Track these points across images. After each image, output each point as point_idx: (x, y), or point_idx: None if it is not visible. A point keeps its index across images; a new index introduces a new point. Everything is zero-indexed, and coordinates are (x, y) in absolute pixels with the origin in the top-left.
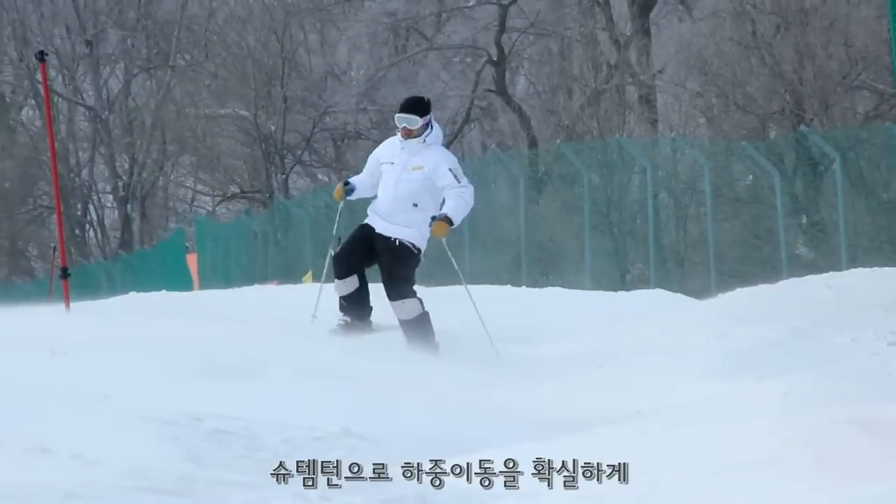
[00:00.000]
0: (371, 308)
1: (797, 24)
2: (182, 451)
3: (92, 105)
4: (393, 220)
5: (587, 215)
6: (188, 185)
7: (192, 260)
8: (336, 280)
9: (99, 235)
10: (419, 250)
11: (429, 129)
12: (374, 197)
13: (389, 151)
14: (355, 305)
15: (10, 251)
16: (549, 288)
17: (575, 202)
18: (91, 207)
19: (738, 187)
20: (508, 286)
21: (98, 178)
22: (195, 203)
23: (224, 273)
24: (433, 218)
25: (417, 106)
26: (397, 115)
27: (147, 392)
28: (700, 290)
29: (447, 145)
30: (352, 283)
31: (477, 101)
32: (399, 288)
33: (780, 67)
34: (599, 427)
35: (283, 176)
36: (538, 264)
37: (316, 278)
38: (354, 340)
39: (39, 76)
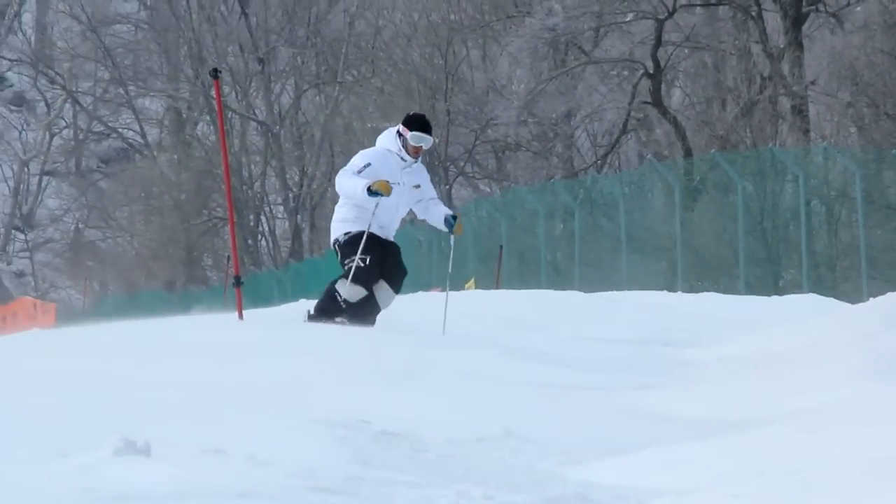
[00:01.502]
0: (374, 318)
1: None
2: (349, 452)
3: (263, 120)
4: (390, 230)
5: (741, 222)
6: None
7: None
8: (360, 288)
9: (270, 245)
10: None
11: None
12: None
13: (391, 170)
14: (363, 310)
15: (186, 260)
16: (705, 293)
17: (729, 210)
18: (263, 218)
19: (888, 194)
20: (664, 291)
21: (269, 189)
22: None
23: None
24: (454, 217)
25: (430, 126)
26: (418, 133)
27: (316, 395)
28: (852, 295)
29: (604, 157)
30: (366, 292)
31: (633, 112)
32: (401, 284)
33: None
34: (754, 428)
35: (447, 187)
36: (693, 270)
37: (479, 285)
38: (513, 346)
39: (214, 93)
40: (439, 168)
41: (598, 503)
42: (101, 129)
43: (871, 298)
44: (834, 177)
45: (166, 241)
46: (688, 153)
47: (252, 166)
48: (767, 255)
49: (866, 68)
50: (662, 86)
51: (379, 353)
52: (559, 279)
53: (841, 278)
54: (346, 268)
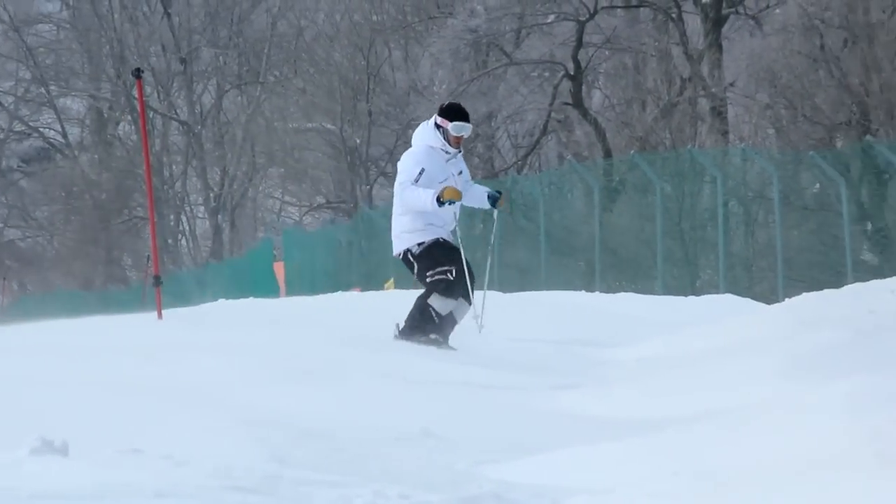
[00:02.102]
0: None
1: (864, 37)
2: (267, 451)
3: (185, 120)
4: (453, 225)
5: (659, 223)
6: (276, 196)
7: (279, 268)
8: (451, 300)
9: (191, 245)
10: None
11: None
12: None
13: (438, 167)
14: (450, 324)
15: (105, 260)
16: (623, 293)
17: (648, 211)
18: (183, 218)
19: (805, 196)
20: (583, 292)
21: (190, 189)
22: (283, 213)
23: (310, 280)
24: (498, 192)
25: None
26: (458, 123)
27: (235, 395)
28: (768, 295)
29: (525, 157)
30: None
31: (554, 113)
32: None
33: (847, 80)
34: (671, 428)
35: (368, 187)
36: (612, 270)
37: (398, 285)
38: (431, 345)
39: (136, 93)
40: (360, 168)
41: (513, 502)
42: (23, 128)
43: (786, 299)
44: (751, 178)
45: (86, 240)
46: (607, 154)
47: (173, 166)
48: (685, 255)
49: (784, 70)
50: (583, 87)
51: (298, 352)
52: (478, 279)
53: (757, 279)
54: (428, 280)
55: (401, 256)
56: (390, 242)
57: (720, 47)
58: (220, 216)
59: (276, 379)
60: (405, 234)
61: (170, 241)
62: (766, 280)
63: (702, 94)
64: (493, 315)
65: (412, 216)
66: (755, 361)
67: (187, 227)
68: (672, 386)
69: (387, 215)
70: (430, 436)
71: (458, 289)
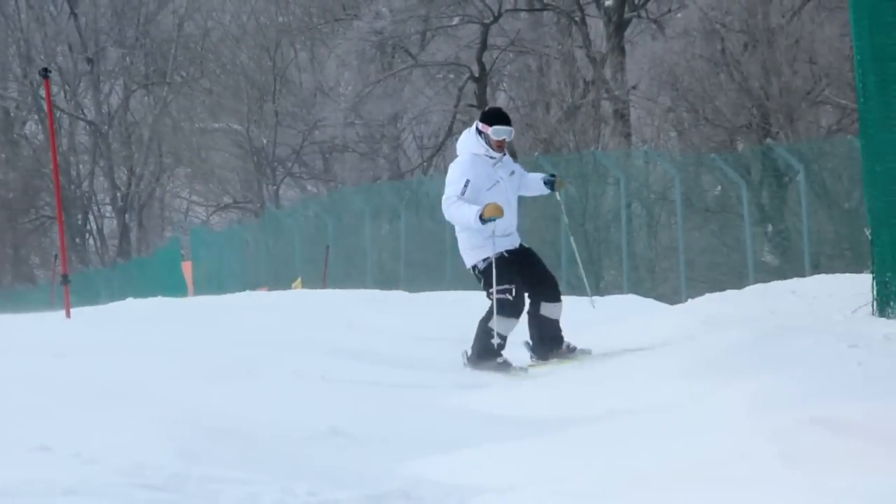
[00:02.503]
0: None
1: (764, 42)
2: (178, 449)
3: (92, 120)
4: (516, 228)
5: (563, 224)
6: (183, 195)
7: (186, 267)
8: (513, 321)
9: (98, 244)
10: None
11: None
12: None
13: (484, 174)
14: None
15: (13, 259)
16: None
17: (552, 212)
18: (91, 217)
19: (707, 197)
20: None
21: (98, 189)
22: (190, 213)
23: (217, 280)
24: (552, 175)
25: (508, 118)
26: (499, 127)
27: (144, 393)
28: (671, 296)
29: (430, 158)
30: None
31: (459, 115)
32: (558, 290)
33: (747, 83)
34: (576, 427)
35: (274, 187)
36: None
37: (305, 285)
38: (340, 345)
39: (43, 92)
40: (266, 168)
41: (422, 500)
42: None
43: (689, 300)
44: (654, 180)
45: None
46: (512, 155)
47: (80, 165)
48: (589, 256)
49: (686, 74)
50: (487, 89)
51: (207, 351)
52: (385, 279)
53: (660, 280)
54: (489, 298)
55: (472, 271)
56: (296, 242)
57: (623, 51)
58: (127, 216)
59: (186, 377)
60: (469, 251)
61: (77, 240)
62: (668, 281)
63: (605, 96)
64: (401, 314)
65: (469, 232)
66: (659, 361)
67: (95, 227)
68: (578, 386)
69: (293, 215)
70: (339, 434)
71: (517, 307)
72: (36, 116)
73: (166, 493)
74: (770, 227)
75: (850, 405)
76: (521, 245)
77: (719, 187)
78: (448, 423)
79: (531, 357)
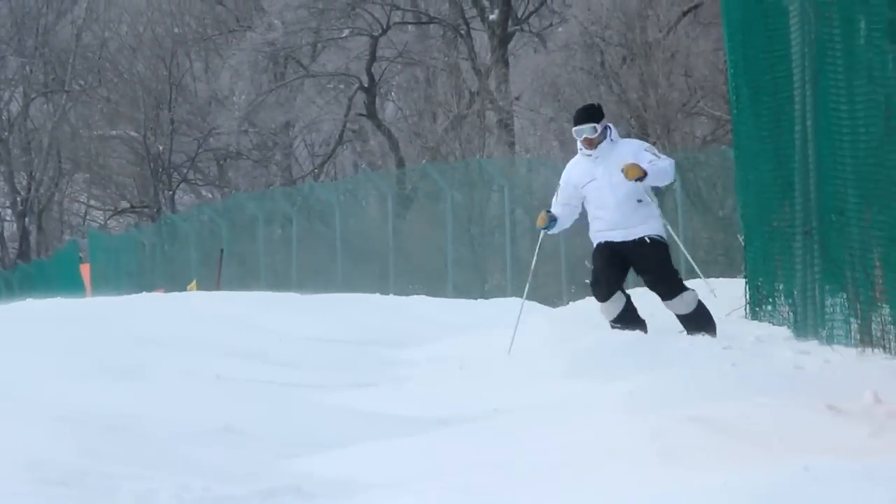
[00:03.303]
0: (644, 321)
1: (642, 55)
2: (75, 446)
3: None
4: (629, 225)
5: (450, 229)
6: (82, 200)
7: (85, 269)
8: (600, 305)
9: None
10: (664, 239)
11: (609, 130)
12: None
13: (581, 172)
14: (630, 324)
15: None
16: (415, 296)
17: (439, 217)
18: None
19: None
20: (377, 294)
21: None
22: (88, 217)
23: (115, 282)
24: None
25: (591, 114)
26: (575, 128)
27: (43, 391)
28: (553, 299)
29: (321, 166)
30: (617, 302)
31: (349, 124)
32: (669, 284)
33: (626, 95)
34: (459, 425)
35: (170, 192)
36: (405, 274)
37: (200, 287)
38: (233, 345)
39: None
40: (163, 174)
41: (312, 495)
42: None
43: (570, 303)
44: (537, 187)
45: None
46: (400, 163)
47: None
48: (474, 260)
49: (567, 85)
50: (377, 99)
51: (105, 350)
52: (278, 281)
53: (543, 283)
54: None
55: None
56: (192, 246)
57: (507, 63)
58: (27, 219)
59: (84, 376)
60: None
61: None
62: (551, 285)
63: (489, 107)
64: (293, 316)
65: (589, 222)
66: (539, 362)
67: None
68: (463, 385)
69: (188, 220)
70: (232, 431)
71: (599, 291)
72: None
73: (66, 489)
74: None
75: (724, 405)
76: (635, 240)
77: None
78: (336, 421)
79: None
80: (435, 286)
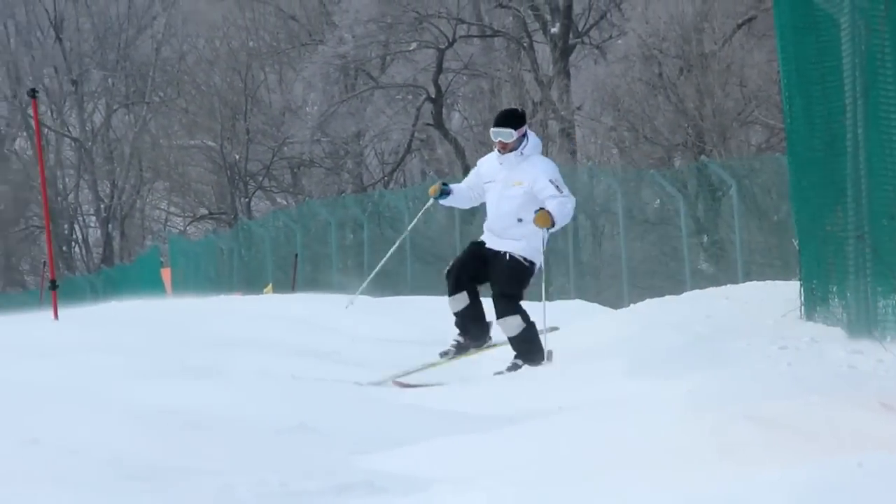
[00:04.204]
0: (489, 324)
1: (699, 66)
2: (157, 443)
3: (77, 137)
4: (503, 236)
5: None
6: (162, 207)
7: (165, 273)
8: (448, 297)
9: (83, 252)
10: (531, 263)
11: (525, 140)
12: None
13: (490, 168)
14: (470, 323)
15: (4, 266)
16: (481, 299)
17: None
18: (76, 227)
19: (647, 210)
20: (445, 296)
21: (83, 201)
22: (168, 223)
23: (194, 285)
24: (538, 210)
25: (511, 118)
26: (492, 129)
27: (126, 389)
28: (614, 301)
29: (391, 173)
30: (462, 299)
31: (417, 133)
32: (502, 305)
33: (683, 105)
34: (525, 422)
35: (246, 199)
36: None
37: (276, 290)
38: (308, 346)
39: (31, 111)
40: (239, 182)
41: (383, 490)
42: None
43: (631, 304)
44: (598, 194)
45: None
46: (466, 171)
47: (66, 179)
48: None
49: (626, 95)
50: (443, 109)
51: (183, 351)
52: (349, 284)
53: (604, 286)
54: None
55: None
56: (267, 251)
57: (568, 74)
58: (110, 225)
59: (165, 375)
60: None
61: (64, 248)
62: (612, 287)
63: (552, 116)
64: (364, 318)
65: None
66: (602, 362)
67: (80, 236)
68: (528, 384)
69: (264, 225)
70: (307, 429)
71: (448, 285)
72: (25, 133)
73: (148, 483)
74: (705, 238)
75: (779, 402)
76: (495, 249)
77: (658, 201)
78: (407, 418)
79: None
80: None
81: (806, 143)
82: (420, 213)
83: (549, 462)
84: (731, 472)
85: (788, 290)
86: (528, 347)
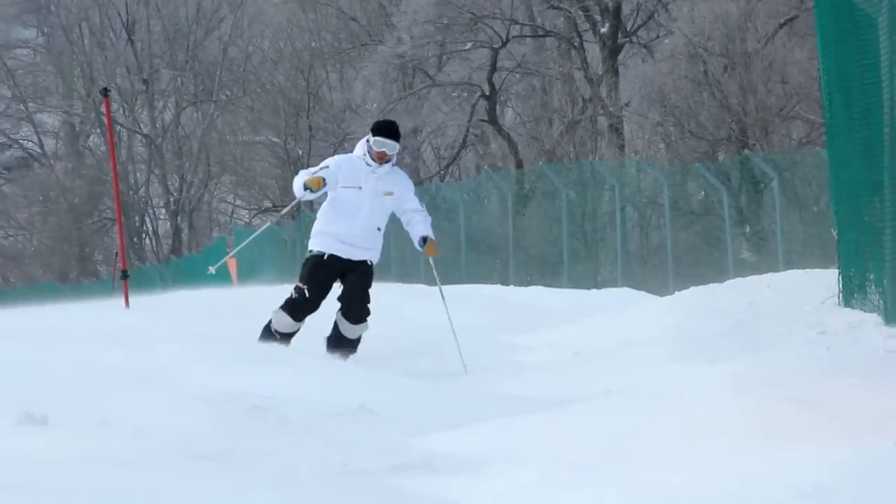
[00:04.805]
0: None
1: (742, 64)
2: (222, 425)
3: (148, 133)
4: (363, 245)
5: (565, 225)
6: (228, 200)
7: (232, 263)
8: (289, 320)
9: (153, 243)
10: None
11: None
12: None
13: (352, 174)
14: (287, 339)
15: (79, 256)
16: (533, 287)
17: (555, 214)
18: (147, 219)
19: (692, 202)
20: (499, 285)
21: (153, 194)
22: (234, 215)
23: (259, 274)
24: (423, 239)
25: (398, 132)
26: (380, 138)
27: (194, 375)
28: (660, 288)
29: (447, 167)
30: (298, 327)
31: (472, 129)
32: (366, 310)
33: (727, 101)
34: (574, 404)
35: None
36: (524, 267)
37: None
38: (370, 332)
39: (104, 109)
40: None
41: (438, 469)
42: (4, 140)
43: (676, 292)
44: (645, 186)
45: (61, 239)
46: (519, 165)
47: (138, 174)
48: (588, 253)
49: (673, 92)
50: (497, 106)
51: (248, 338)
52: (407, 274)
53: (651, 274)
54: (292, 290)
55: None
56: None
57: (616, 72)
58: (179, 218)
59: (230, 362)
60: (312, 235)
61: (135, 239)
62: (658, 275)
63: (601, 113)
64: (421, 306)
65: (319, 217)
66: (649, 347)
67: (150, 228)
68: (578, 368)
69: None
70: (366, 411)
71: (298, 310)
72: (98, 130)
73: (214, 464)
74: (748, 228)
75: (819, 385)
76: (360, 261)
77: (703, 193)
78: (459, 401)
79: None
80: (551, 277)
81: (845, 137)
82: (288, 208)
83: (597, 443)
84: (774, 450)
85: (827, 278)
86: (351, 350)
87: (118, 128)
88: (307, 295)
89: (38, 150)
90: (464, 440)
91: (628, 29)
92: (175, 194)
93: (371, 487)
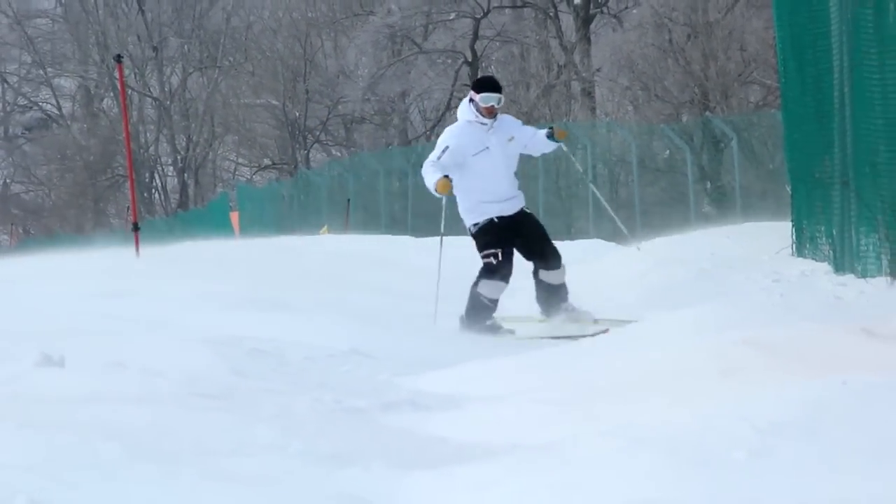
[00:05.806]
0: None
1: (704, 33)
2: (226, 366)
3: (157, 96)
4: (514, 195)
5: (541, 181)
6: (231, 158)
7: (234, 217)
8: (499, 282)
9: (162, 198)
10: None
11: None
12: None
13: (474, 139)
14: (496, 306)
15: (94, 210)
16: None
17: (531, 171)
18: (156, 176)
19: (657, 160)
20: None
21: (162, 153)
22: (237, 173)
23: (259, 226)
24: (550, 128)
25: (500, 85)
26: (487, 94)
27: (200, 319)
28: (626, 241)
29: (432, 128)
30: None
31: (456, 93)
32: (557, 252)
33: (690, 67)
34: (550, 346)
35: (305, 152)
36: None
37: (331, 231)
38: (357, 279)
39: (117, 74)
40: (299, 136)
41: (425, 407)
42: (25, 102)
43: (642, 242)
44: (615, 146)
45: (78, 194)
46: None
47: (148, 134)
48: (562, 207)
49: (640, 59)
50: (479, 72)
51: (251, 285)
52: (395, 226)
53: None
54: (483, 262)
55: (470, 233)
56: (323, 197)
57: (589, 40)
58: (186, 174)
59: (235, 306)
60: (464, 213)
61: (145, 194)
62: (627, 228)
63: (574, 78)
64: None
65: (462, 194)
66: (617, 294)
67: (159, 184)
68: None
69: (321, 174)
70: (357, 353)
71: (503, 270)
72: (111, 94)
73: (219, 401)
74: (709, 184)
75: (774, 329)
76: (520, 211)
77: (668, 151)
78: (444, 343)
79: (460, 321)
80: None
81: (798, 100)
82: (443, 218)
83: (569, 383)
84: (732, 390)
85: (782, 230)
86: (564, 296)
87: (130, 91)
88: (500, 257)
89: (56, 111)
90: (448, 379)
91: (599, 0)
92: (182, 153)
93: (362, 423)
